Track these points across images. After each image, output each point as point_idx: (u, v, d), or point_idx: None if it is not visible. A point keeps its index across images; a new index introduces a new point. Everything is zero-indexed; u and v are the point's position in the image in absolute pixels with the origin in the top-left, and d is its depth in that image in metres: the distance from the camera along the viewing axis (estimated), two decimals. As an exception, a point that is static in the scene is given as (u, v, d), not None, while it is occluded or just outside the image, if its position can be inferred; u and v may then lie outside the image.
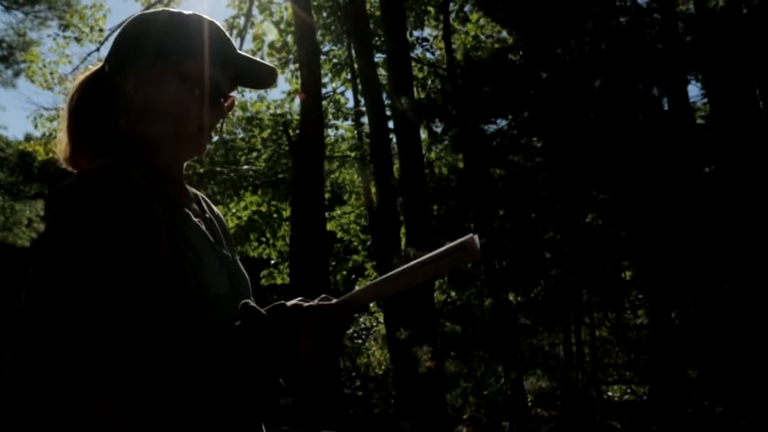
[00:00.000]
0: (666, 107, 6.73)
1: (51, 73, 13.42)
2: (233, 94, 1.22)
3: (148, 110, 1.12)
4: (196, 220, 1.16)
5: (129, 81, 1.13)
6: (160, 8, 1.19)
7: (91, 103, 1.15)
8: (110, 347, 0.87)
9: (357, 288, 1.07)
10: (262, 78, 1.23)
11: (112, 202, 0.96)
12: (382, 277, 1.04)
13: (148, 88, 1.12)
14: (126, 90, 1.13)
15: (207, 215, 1.23)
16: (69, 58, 13.57)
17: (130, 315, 0.89)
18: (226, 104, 1.18)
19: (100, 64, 1.19)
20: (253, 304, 0.97)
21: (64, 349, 0.90)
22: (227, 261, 1.17)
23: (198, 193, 1.27)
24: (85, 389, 0.88)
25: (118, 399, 0.86)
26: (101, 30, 13.34)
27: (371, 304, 12.57)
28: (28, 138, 19.09)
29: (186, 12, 1.17)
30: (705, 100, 7.12)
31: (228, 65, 1.17)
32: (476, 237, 1.00)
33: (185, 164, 1.21)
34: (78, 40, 13.30)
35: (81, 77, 1.18)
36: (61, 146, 1.16)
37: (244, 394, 0.95)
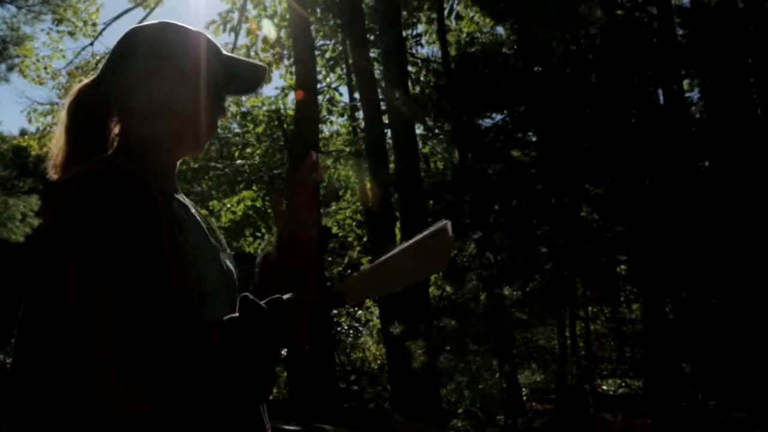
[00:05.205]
0: (661, 102, 6.74)
1: (45, 68, 13.34)
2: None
3: (149, 112, 1.13)
4: (193, 211, 1.18)
5: (128, 84, 1.14)
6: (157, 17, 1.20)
7: (89, 110, 1.16)
8: (122, 330, 0.89)
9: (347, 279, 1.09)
10: (255, 77, 1.25)
11: (114, 192, 0.98)
12: (369, 267, 1.09)
13: (149, 89, 1.13)
14: (125, 94, 1.14)
15: (196, 211, 1.24)
16: (63, 52, 13.46)
17: (138, 301, 0.91)
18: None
19: (98, 73, 1.20)
20: (252, 297, 0.99)
21: (76, 335, 0.92)
22: (220, 253, 1.18)
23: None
24: (97, 375, 0.90)
25: (132, 380, 0.88)
26: (95, 24, 13.25)
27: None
28: (22, 133, 19.02)
29: (179, 23, 1.19)
30: (700, 95, 7.13)
31: (222, 67, 1.19)
32: (449, 224, 1.05)
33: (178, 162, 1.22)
34: (72, 34, 13.20)
35: (78, 85, 1.19)
36: (54, 151, 1.16)
37: (245, 382, 0.97)
